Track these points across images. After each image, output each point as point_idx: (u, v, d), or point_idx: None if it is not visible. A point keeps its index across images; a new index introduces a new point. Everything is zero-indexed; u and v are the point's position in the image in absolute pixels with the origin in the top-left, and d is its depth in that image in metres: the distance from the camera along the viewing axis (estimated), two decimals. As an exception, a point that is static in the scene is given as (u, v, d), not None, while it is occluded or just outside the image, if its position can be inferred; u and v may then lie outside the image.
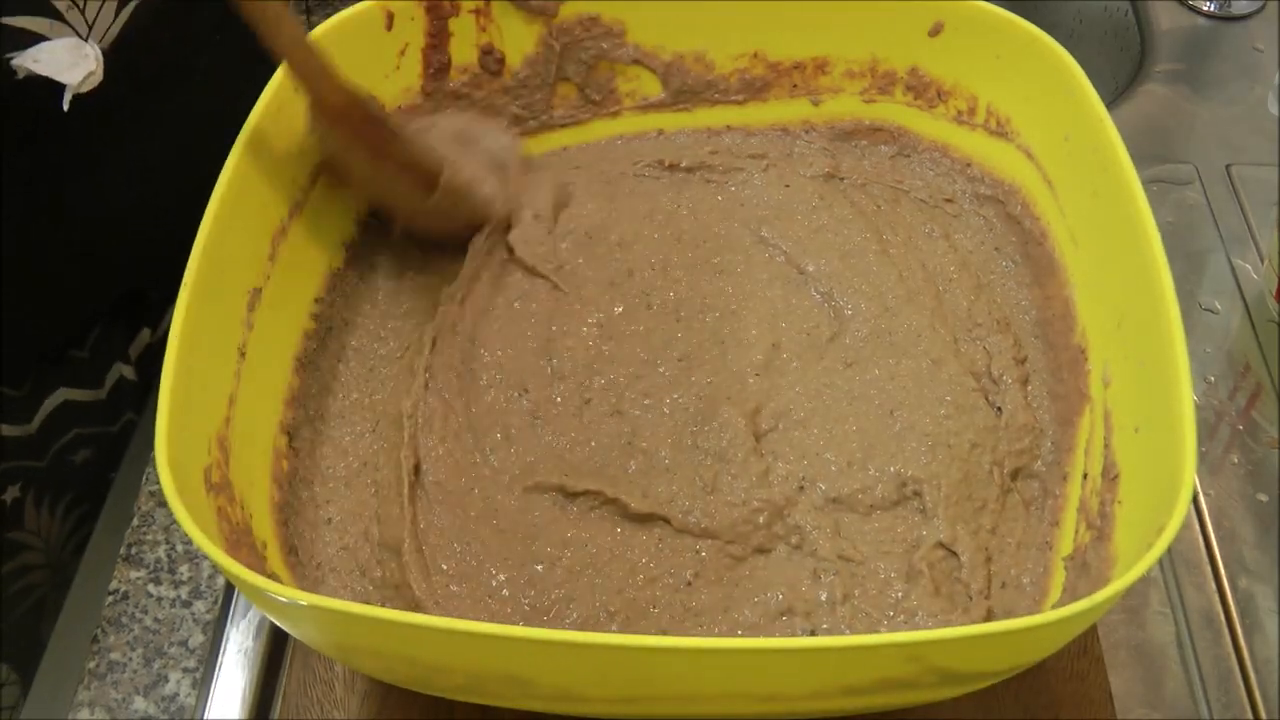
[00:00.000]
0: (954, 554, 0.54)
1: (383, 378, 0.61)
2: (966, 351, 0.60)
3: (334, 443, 0.59)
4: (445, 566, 0.53)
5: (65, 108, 0.60)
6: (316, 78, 0.57)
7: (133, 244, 0.71)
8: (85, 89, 0.61)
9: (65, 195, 0.66)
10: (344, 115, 0.58)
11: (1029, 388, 0.60)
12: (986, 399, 0.59)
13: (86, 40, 0.61)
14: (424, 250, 0.65)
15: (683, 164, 0.69)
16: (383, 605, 0.52)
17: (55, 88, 0.60)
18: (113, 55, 0.62)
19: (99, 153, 0.66)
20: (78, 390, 0.75)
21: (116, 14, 0.62)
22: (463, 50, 0.67)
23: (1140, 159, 0.55)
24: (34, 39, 0.59)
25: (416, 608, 0.51)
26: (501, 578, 0.53)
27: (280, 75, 0.58)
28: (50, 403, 0.74)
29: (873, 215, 0.66)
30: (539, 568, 0.54)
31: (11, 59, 0.59)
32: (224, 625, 0.60)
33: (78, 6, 0.60)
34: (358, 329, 0.63)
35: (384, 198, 0.64)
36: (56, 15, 0.60)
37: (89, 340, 0.75)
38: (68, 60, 0.60)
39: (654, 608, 0.52)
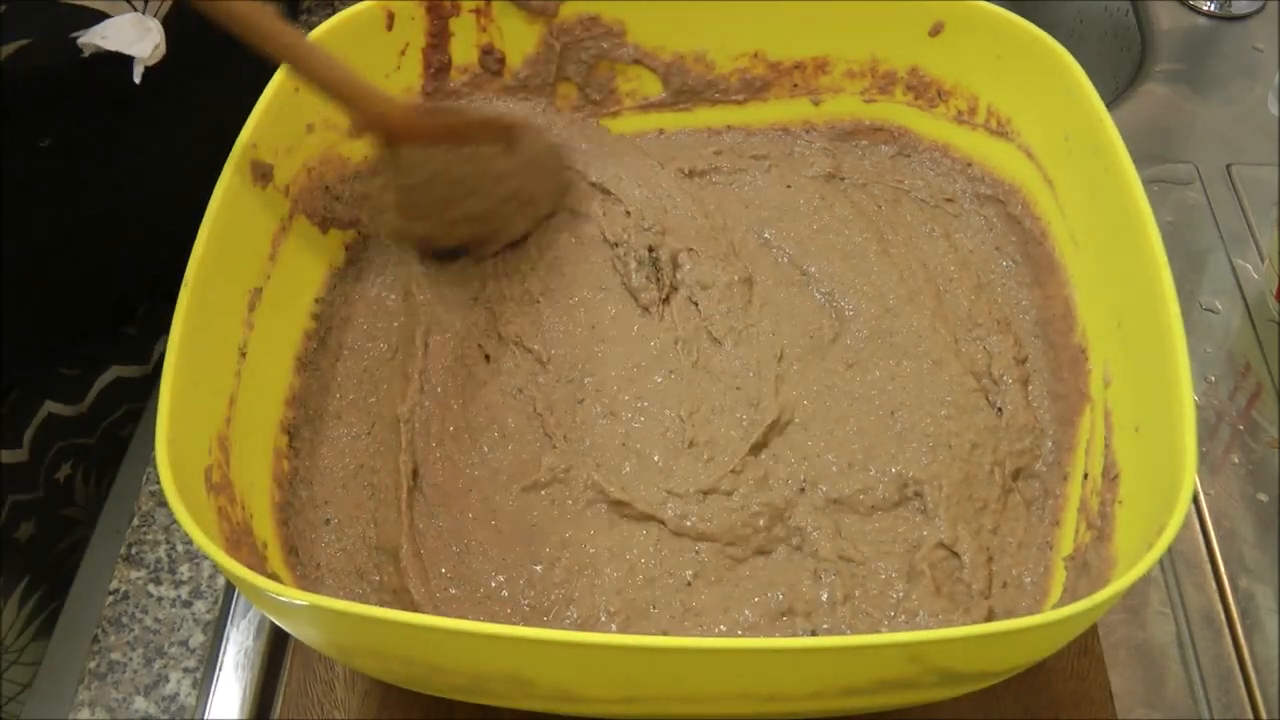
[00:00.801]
0: (955, 554, 0.54)
1: (378, 379, 0.61)
2: (967, 352, 0.60)
3: (332, 443, 0.59)
4: (444, 570, 0.53)
5: (136, 80, 0.60)
6: (376, 105, 0.57)
7: (181, 218, 0.71)
8: (152, 61, 0.61)
9: (115, 171, 0.66)
10: (415, 124, 0.58)
11: (1029, 388, 0.60)
12: (987, 399, 0.59)
13: (144, 14, 0.61)
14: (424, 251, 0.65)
15: (696, 168, 0.69)
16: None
17: (119, 62, 0.60)
18: (167, 28, 0.62)
19: (153, 128, 0.66)
20: (128, 366, 0.76)
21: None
22: (463, 50, 0.67)
23: (1140, 159, 0.55)
24: (96, 16, 0.59)
25: (416, 611, 0.51)
26: (500, 578, 0.53)
27: (280, 76, 0.58)
28: (102, 380, 0.75)
29: (873, 215, 0.66)
30: (538, 568, 0.54)
31: (77, 37, 0.58)
32: (224, 625, 0.60)
33: None
34: (356, 329, 0.63)
35: (478, 183, 0.63)
36: None
37: (137, 315, 0.76)
38: (134, 34, 0.60)
39: (654, 608, 0.52)
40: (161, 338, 0.77)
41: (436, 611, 0.51)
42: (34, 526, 0.74)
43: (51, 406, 0.74)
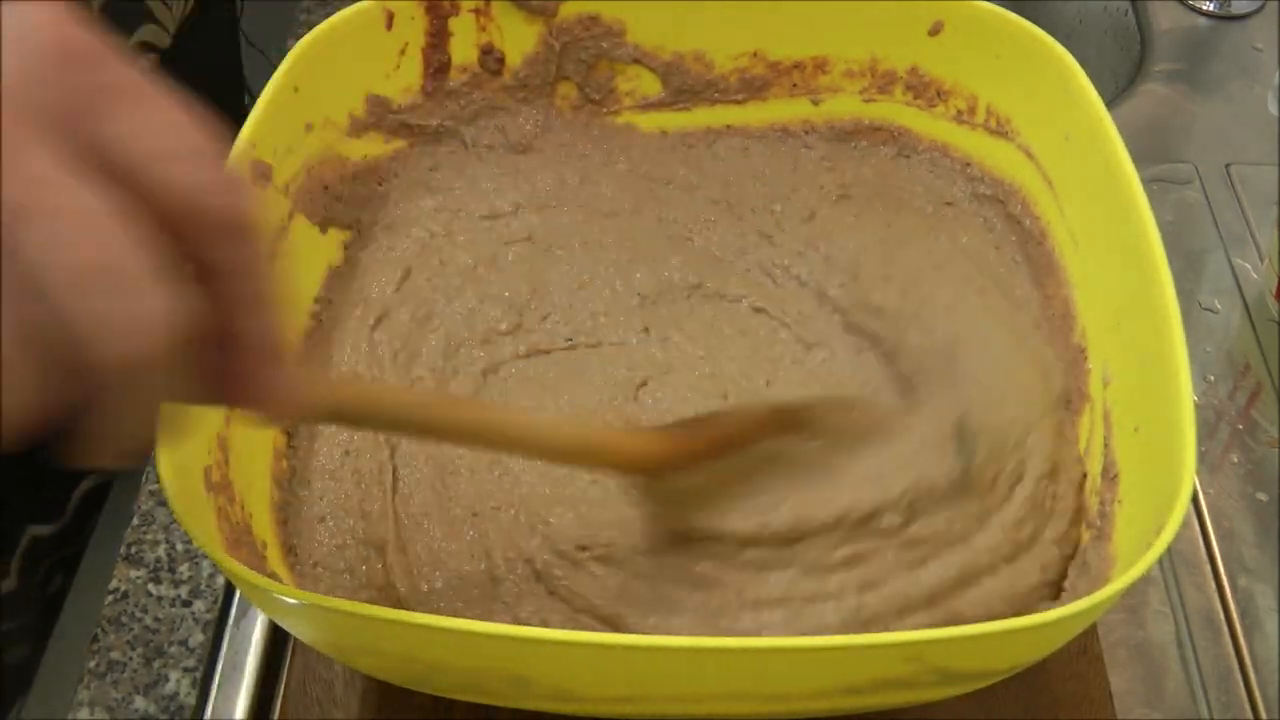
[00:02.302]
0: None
1: (371, 378, 0.61)
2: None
3: (326, 438, 0.59)
4: (429, 565, 0.53)
5: None
6: (626, 454, 0.46)
7: None
8: None
9: None
10: (675, 453, 0.47)
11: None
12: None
13: None
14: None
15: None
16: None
17: None
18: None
19: None
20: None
21: None
22: (463, 50, 0.67)
23: (1140, 159, 0.55)
24: None
25: (402, 607, 0.51)
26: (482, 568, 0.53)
27: (280, 76, 0.58)
28: (81, 490, 0.73)
29: (875, 215, 0.66)
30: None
31: None
32: (224, 625, 0.60)
33: None
34: (353, 328, 0.63)
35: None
36: None
37: None
38: None
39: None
40: (112, 493, 0.73)
41: (422, 608, 0.51)
42: (28, 648, 0.72)
43: (34, 530, 0.72)
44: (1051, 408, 0.56)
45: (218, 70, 0.77)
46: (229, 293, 0.31)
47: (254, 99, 0.57)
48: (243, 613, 0.60)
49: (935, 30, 0.65)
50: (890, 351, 0.60)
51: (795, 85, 0.69)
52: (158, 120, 0.30)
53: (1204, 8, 0.93)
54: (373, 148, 0.66)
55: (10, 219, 0.27)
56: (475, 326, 0.62)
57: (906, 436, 0.53)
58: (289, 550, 0.53)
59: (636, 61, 0.68)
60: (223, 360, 0.32)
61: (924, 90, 0.67)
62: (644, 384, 0.59)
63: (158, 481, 0.51)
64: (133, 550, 0.62)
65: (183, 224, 0.30)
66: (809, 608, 0.49)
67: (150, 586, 0.61)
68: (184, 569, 0.62)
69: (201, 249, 0.30)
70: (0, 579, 0.70)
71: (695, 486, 0.48)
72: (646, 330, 0.62)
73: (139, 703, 0.57)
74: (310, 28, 0.61)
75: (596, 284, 0.64)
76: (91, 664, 0.58)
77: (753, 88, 0.69)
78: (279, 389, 0.34)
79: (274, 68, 0.58)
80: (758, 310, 0.63)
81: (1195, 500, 0.64)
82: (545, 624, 0.50)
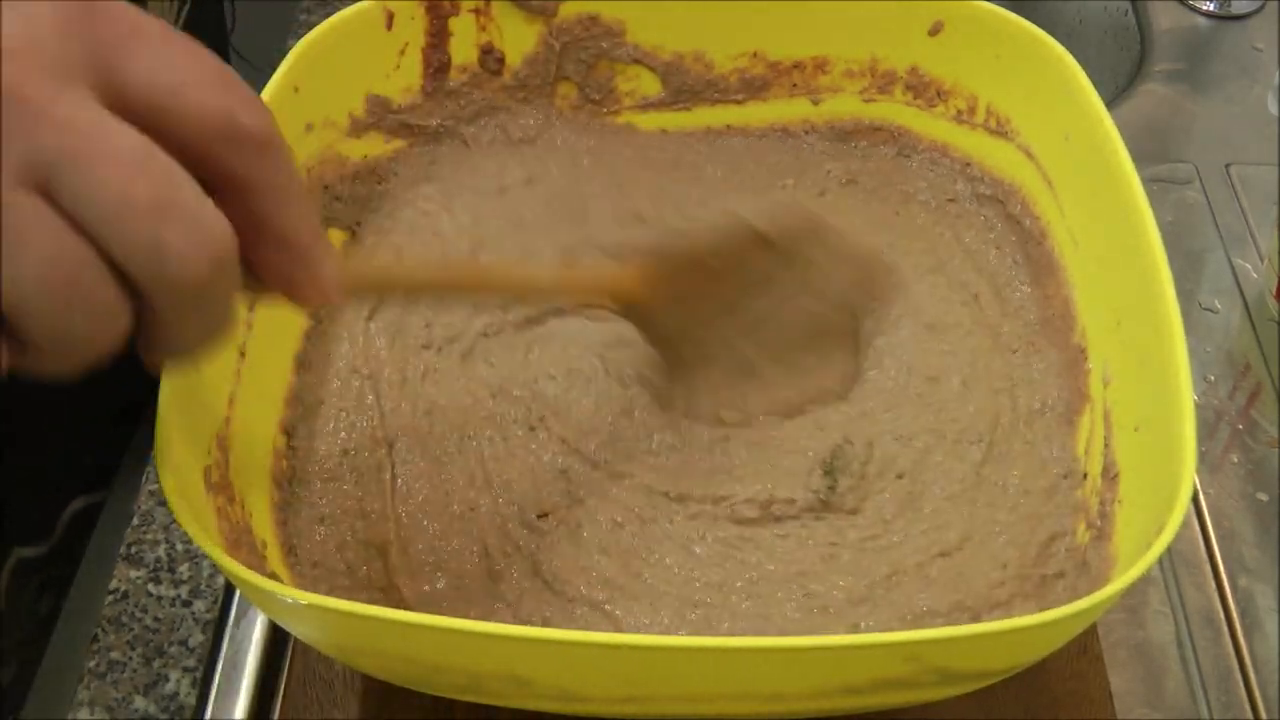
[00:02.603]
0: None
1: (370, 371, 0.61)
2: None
3: (324, 437, 0.59)
4: (431, 566, 0.53)
5: None
6: (609, 284, 0.49)
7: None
8: None
9: None
10: (646, 282, 0.49)
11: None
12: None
13: None
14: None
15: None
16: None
17: None
18: None
19: None
20: (94, 494, 0.73)
21: None
22: (463, 49, 0.67)
23: (1140, 159, 0.55)
24: None
25: (403, 608, 0.51)
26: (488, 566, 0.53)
27: (280, 76, 0.58)
28: (70, 510, 0.72)
29: (875, 215, 0.66)
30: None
31: None
32: (224, 625, 0.60)
33: None
34: (349, 320, 0.63)
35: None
36: None
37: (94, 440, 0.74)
38: None
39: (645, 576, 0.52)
40: (123, 458, 0.72)
41: (425, 609, 0.51)
42: (16, 667, 0.71)
43: (20, 552, 0.71)
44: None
45: None
46: (268, 200, 0.34)
47: None
48: (243, 613, 0.60)
49: (935, 30, 0.65)
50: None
51: (795, 85, 0.69)
52: (177, 54, 0.32)
53: (1204, 8, 0.93)
54: (373, 148, 0.66)
55: (59, 168, 0.29)
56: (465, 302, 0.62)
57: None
58: (289, 550, 0.53)
59: (636, 61, 0.68)
60: (271, 258, 0.36)
61: (924, 90, 0.67)
62: None
63: (158, 481, 0.51)
64: (133, 550, 0.62)
65: (215, 144, 0.32)
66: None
67: (150, 586, 0.61)
68: (184, 569, 0.62)
69: (237, 164, 0.33)
70: None
71: (689, 329, 0.50)
72: None
73: (139, 703, 0.57)
74: (310, 28, 0.61)
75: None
76: (91, 664, 0.58)
77: (753, 88, 0.69)
78: (322, 277, 0.37)
79: (267, 81, 0.58)
80: None
81: (1195, 500, 0.64)
82: (547, 623, 0.50)
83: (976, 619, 0.51)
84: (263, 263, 0.36)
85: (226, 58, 0.81)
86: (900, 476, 0.55)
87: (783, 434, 0.57)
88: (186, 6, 0.69)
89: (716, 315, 0.51)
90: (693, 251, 0.48)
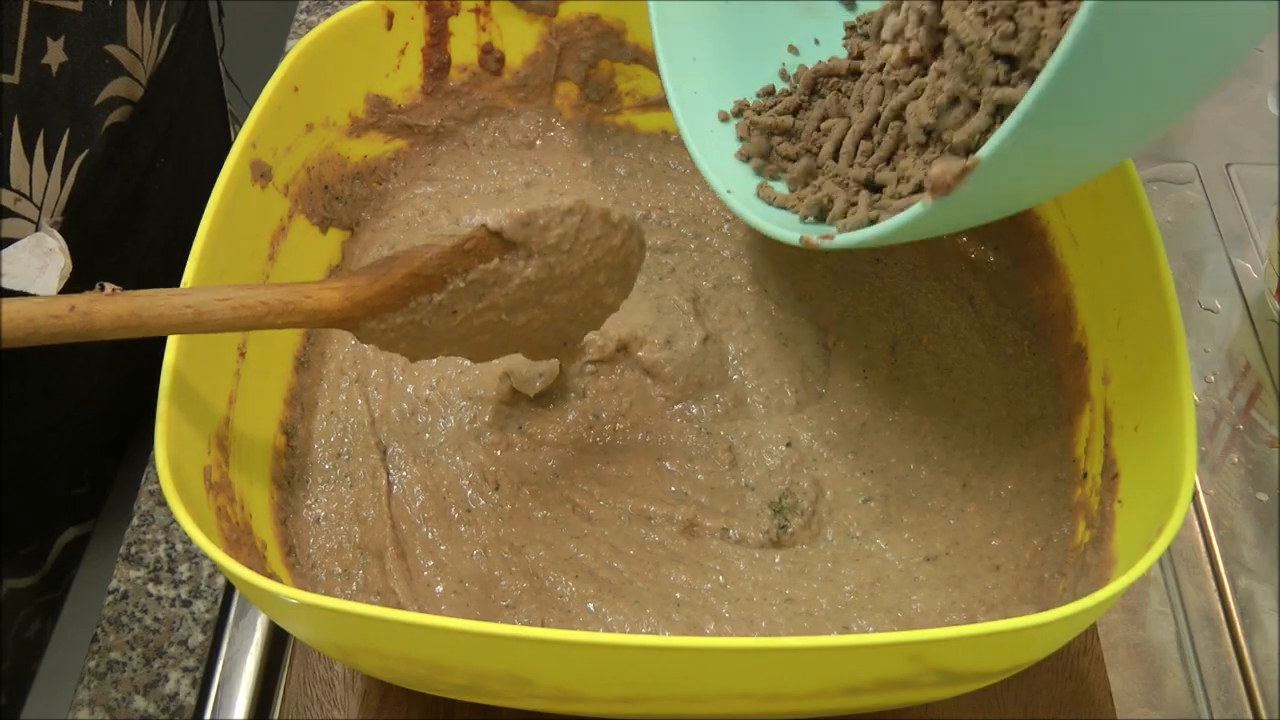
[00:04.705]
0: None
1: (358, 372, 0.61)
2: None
3: (320, 436, 0.59)
4: (430, 570, 0.53)
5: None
6: (305, 307, 0.47)
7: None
8: (60, 287, 0.56)
9: None
10: (362, 301, 0.48)
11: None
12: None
13: (39, 227, 0.56)
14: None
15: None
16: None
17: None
18: (68, 223, 0.59)
19: None
20: (84, 524, 0.74)
21: (62, 182, 0.59)
22: (463, 49, 0.67)
23: (1140, 158, 0.55)
24: None
25: (402, 609, 0.51)
26: (482, 570, 0.53)
27: (279, 76, 0.58)
28: (61, 542, 0.73)
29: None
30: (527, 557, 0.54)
31: None
32: (224, 625, 0.60)
33: (25, 196, 0.56)
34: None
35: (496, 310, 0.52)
36: (6, 213, 0.56)
37: (84, 476, 0.74)
38: (36, 264, 0.55)
39: (636, 583, 0.52)
40: (112, 493, 0.72)
41: (424, 608, 0.51)
42: (3, 695, 0.71)
43: (11, 583, 0.72)
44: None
45: (198, 112, 0.75)
46: None
47: (238, 132, 0.57)
48: (243, 613, 0.60)
49: (935, 30, 0.65)
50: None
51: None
52: None
53: (1204, 7, 0.93)
54: (373, 147, 0.66)
55: None
56: None
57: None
58: (289, 550, 0.53)
59: (636, 61, 0.68)
60: None
61: (924, 90, 0.67)
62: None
63: (158, 481, 0.51)
64: (132, 550, 0.62)
65: None
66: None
67: (150, 587, 0.61)
68: (184, 569, 0.62)
69: None
70: None
71: (435, 325, 0.50)
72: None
73: (139, 703, 0.57)
74: (310, 28, 0.61)
75: None
76: (91, 664, 0.58)
77: (753, 87, 0.69)
78: None
79: (264, 86, 0.58)
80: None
81: (1195, 500, 0.64)
82: (545, 624, 0.50)
83: (972, 619, 0.51)
84: None
85: (217, 78, 0.81)
86: (868, 500, 0.56)
87: (737, 479, 0.57)
88: (174, 25, 0.68)
89: (469, 310, 0.51)
90: (409, 265, 0.48)
